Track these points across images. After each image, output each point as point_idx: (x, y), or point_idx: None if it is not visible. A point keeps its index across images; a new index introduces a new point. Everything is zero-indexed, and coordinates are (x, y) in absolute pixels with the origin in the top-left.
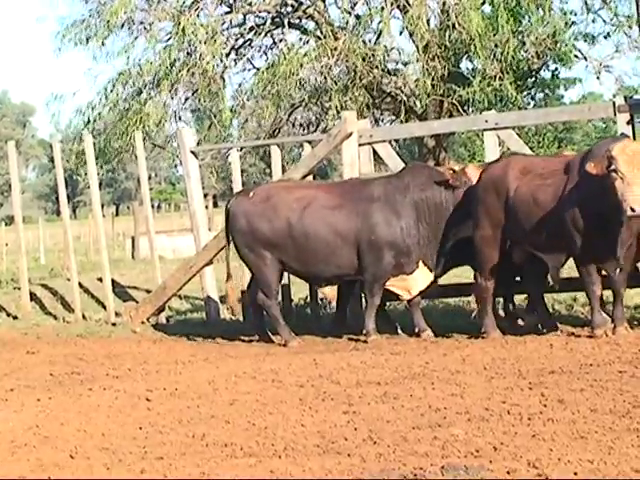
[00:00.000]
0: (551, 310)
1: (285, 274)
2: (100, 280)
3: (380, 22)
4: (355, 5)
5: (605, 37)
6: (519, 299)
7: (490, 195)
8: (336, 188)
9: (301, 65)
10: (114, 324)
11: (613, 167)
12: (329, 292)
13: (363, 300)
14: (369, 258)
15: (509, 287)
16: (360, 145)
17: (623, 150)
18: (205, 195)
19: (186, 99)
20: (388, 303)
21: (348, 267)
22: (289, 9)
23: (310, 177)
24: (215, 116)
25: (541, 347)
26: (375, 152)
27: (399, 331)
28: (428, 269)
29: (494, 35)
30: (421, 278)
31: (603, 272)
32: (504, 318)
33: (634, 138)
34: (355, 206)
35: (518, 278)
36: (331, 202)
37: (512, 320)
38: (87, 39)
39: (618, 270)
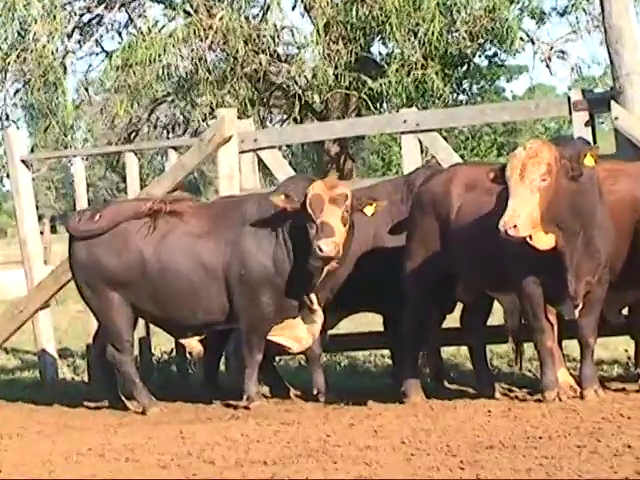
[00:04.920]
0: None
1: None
2: None
3: None
4: None
5: (561, 14)
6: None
7: (427, 217)
8: (204, 209)
9: (165, 49)
10: None
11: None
12: (196, 345)
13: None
14: (242, 300)
15: (437, 336)
16: (242, 152)
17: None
18: (40, 217)
19: (16, 92)
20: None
21: (218, 312)
22: None
23: (177, 193)
24: (54, 114)
25: (476, 415)
26: (261, 161)
27: (292, 394)
28: (320, 311)
29: (415, 11)
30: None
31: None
32: (429, 375)
33: (594, 142)
34: (223, 232)
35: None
36: (196, 228)
37: (439, 379)
38: None
39: (577, 311)
